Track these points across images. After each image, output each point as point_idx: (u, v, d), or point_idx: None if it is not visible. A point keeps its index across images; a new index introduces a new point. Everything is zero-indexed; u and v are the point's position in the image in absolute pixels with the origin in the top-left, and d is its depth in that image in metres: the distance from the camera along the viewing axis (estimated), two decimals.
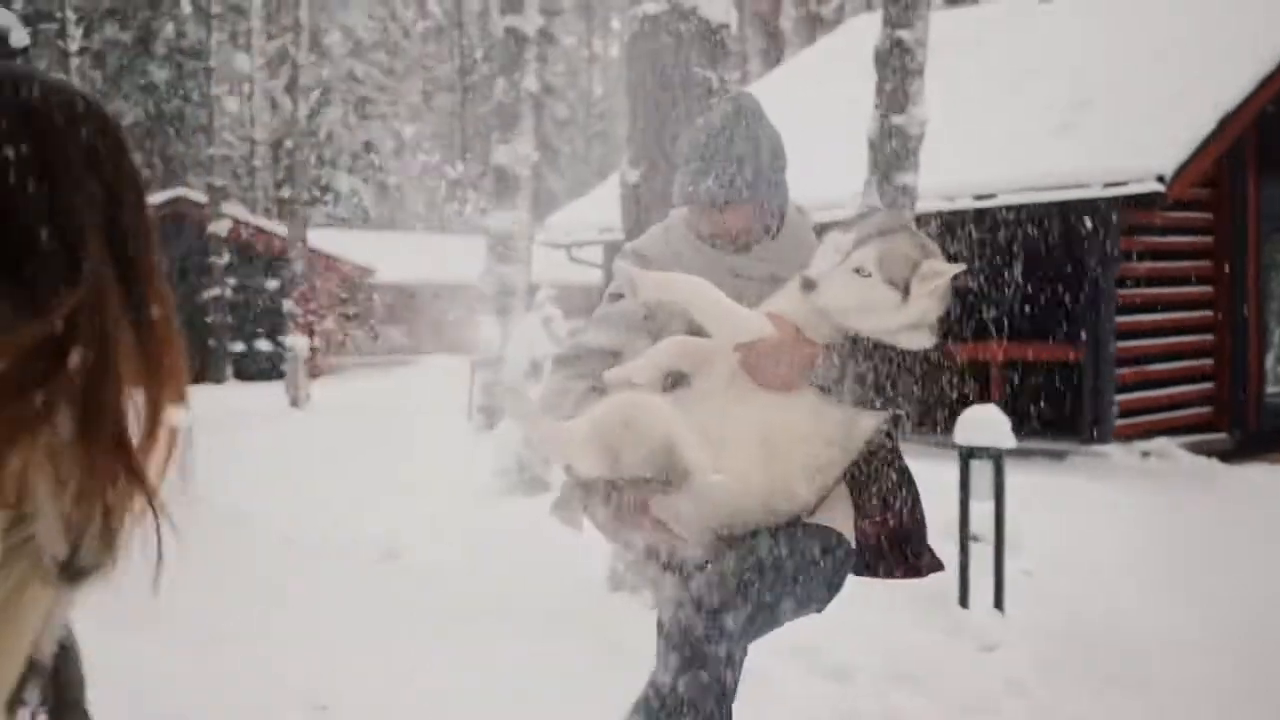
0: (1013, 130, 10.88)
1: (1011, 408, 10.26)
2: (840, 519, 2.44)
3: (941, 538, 3.01)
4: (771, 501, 2.31)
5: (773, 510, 2.32)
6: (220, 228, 23.28)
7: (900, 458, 2.51)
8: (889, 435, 2.44)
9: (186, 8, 32.85)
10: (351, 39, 38.24)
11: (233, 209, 24.85)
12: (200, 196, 24.44)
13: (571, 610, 5.54)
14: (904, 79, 8.81)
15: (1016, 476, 8.25)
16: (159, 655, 4.78)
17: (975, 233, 11.94)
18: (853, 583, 2.52)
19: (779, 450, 2.29)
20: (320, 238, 27.03)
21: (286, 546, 7.41)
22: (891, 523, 2.51)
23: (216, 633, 5.37)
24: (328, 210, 37.27)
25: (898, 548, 2.53)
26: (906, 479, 2.52)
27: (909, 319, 2.27)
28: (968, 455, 5.04)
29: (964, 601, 5.02)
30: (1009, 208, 10.45)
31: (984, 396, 10.14)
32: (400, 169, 41.31)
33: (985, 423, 5.04)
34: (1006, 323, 10.84)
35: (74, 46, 33.52)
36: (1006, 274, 12.58)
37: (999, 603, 5.01)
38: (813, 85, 14.27)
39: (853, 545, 2.46)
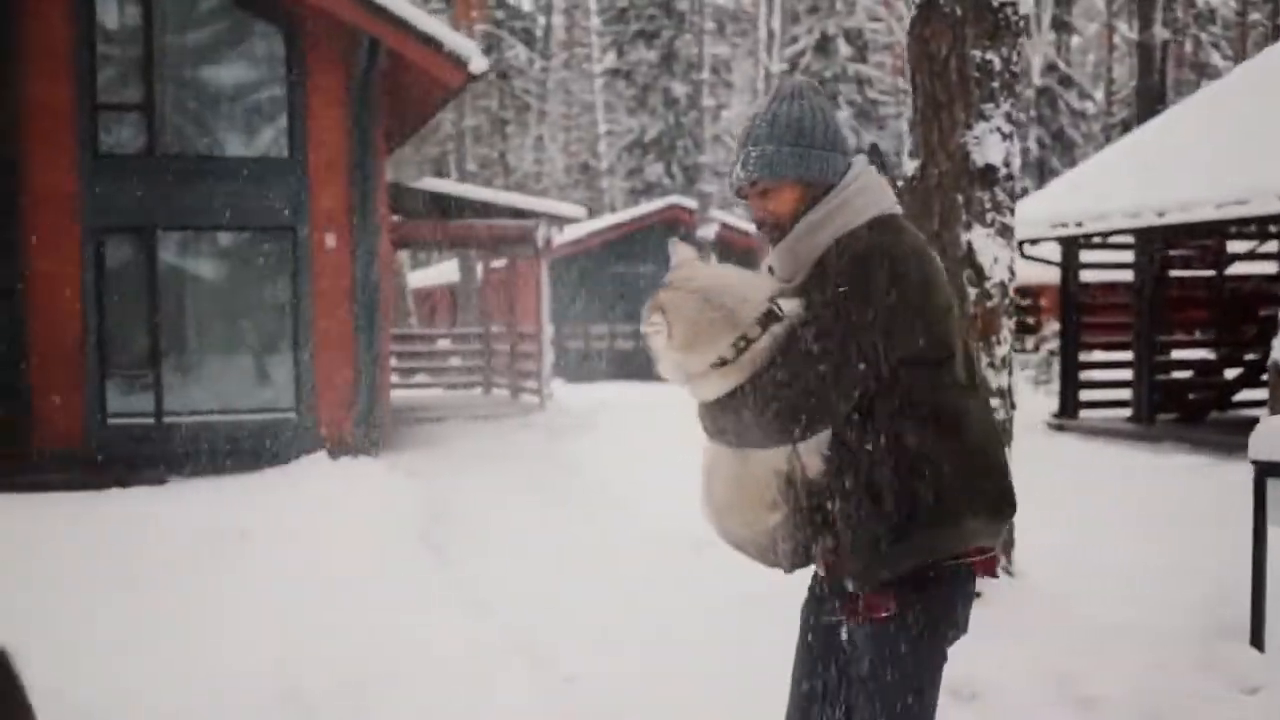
0: None
1: None
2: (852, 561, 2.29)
3: None
4: (731, 532, 2.45)
5: (740, 539, 2.44)
6: (707, 232, 24.54)
7: (822, 491, 2.29)
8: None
9: (709, 24, 34.76)
10: (857, 43, 38.59)
11: (720, 214, 26.07)
12: (691, 203, 25.86)
13: None
14: None
15: None
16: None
17: None
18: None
19: (714, 486, 2.46)
20: None
21: (619, 527, 7.97)
22: (827, 559, 2.35)
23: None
24: None
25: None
26: (824, 515, 2.30)
27: (668, 374, 2.34)
28: (1264, 473, 4.33)
29: (1257, 640, 4.34)
30: None
31: None
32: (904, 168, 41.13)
33: None
34: None
35: (597, 69, 36.75)
36: None
37: None
38: None
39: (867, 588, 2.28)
